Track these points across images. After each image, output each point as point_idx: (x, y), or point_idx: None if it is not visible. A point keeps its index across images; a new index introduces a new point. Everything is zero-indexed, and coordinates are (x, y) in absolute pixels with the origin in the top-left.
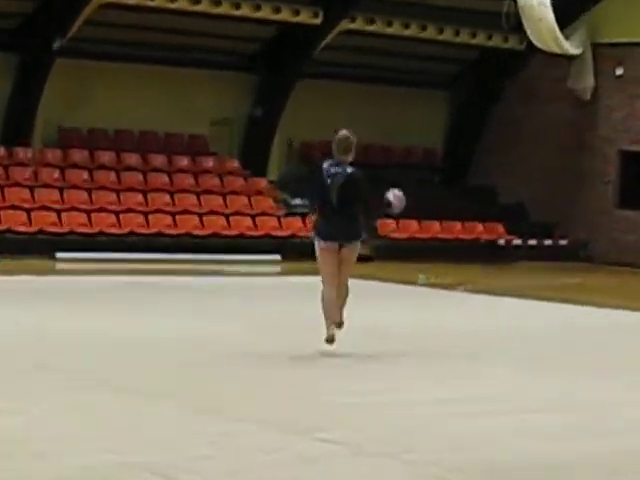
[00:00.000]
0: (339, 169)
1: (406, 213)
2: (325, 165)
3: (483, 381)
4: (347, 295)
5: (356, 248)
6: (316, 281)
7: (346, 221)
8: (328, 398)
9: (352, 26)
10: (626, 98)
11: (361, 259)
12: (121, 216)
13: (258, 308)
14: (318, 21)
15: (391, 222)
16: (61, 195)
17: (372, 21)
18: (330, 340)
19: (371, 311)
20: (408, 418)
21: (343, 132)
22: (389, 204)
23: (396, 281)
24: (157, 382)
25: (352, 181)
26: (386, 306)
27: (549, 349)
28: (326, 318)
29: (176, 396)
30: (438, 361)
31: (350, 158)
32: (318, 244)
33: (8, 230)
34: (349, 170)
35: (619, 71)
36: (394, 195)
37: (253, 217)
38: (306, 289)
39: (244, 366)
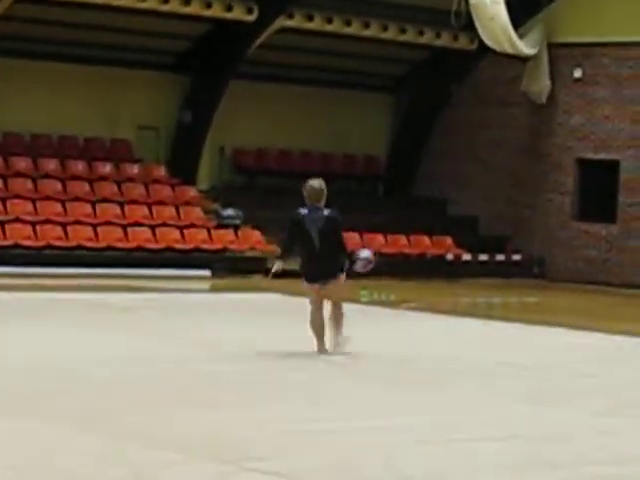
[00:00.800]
0: (317, 214)
1: (348, 225)
2: (303, 212)
3: (433, 407)
4: (341, 317)
5: (339, 280)
6: (246, 299)
7: (328, 262)
8: (262, 425)
9: (289, 23)
10: (585, 102)
11: (299, 275)
12: (38, 227)
13: (183, 327)
14: (253, 17)
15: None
16: None
17: (311, 18)
18: (321, 352)
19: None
20: (347, 447)
21: (312, 183)
22: (354, 261)
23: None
24: (71, 407)
25: (330, 223)
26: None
27: (503, 373)
28: (314, 334)
29: (92, 421)
30: (381, 387)
31: (322, 203)
32: (303, 284)
33: None
34: (326, 213)
35: (577, 73)
36: (364, 257)
37: (181, 229)
38: (235, 307)
39: (165, 389)
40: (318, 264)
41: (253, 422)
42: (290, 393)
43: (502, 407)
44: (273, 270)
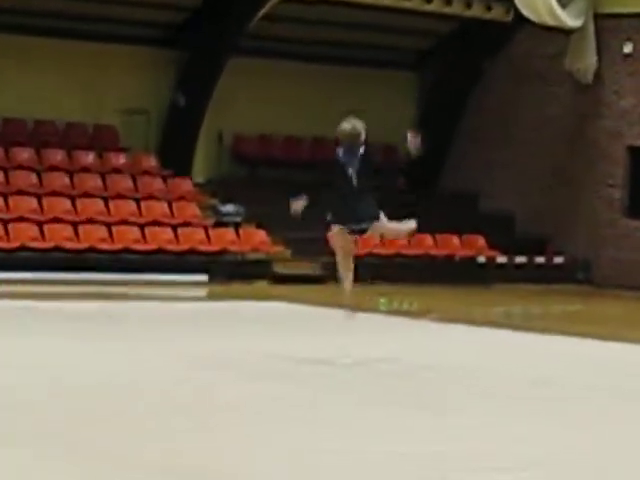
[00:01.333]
0: (353, 154)
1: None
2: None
3: (453, 432)
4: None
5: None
6: (248, 307)
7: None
8: (255, 449)
9: None
10: (636, 81)
11: (311, 280)
12: (10, 226)
13: (174, 339)
14: None
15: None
16: None
17: None
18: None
19: (321, 343)
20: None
21: (345, 126)
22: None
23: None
24: (38, 424)
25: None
26: (340, 338)
27: (540, 394)
28: (342, 275)
29: (54, 442)
30: (389, 408)
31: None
32: (334, 229)
33: None
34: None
35: (627, 48)
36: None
37: (174, 228)
38: (236, 317)
39: (147, 408)
40: (355, 204)
41: (245, 445)
42: (289, 413)
43: (526, 431)
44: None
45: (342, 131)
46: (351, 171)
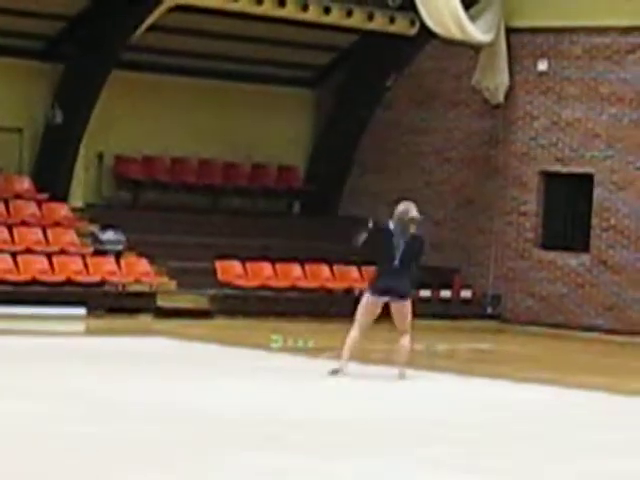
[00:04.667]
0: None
1: (255, 252)
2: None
3: None
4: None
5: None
6: (130, 344)
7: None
8: None
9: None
10: (551, 102)
11: (197, 314)
12: None
13: (45, 380)
14: None
15: (235, 264)
16: None
17: None
18: (332, 372)
19: (204, 388)
20: None
21: (400, 208)
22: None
23: (243, 344)
24: None
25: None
26: (228, 381)
27: (437, 437)
28: (346, 352)
29: None
30: (288, 456)
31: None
32: (366, 297)
33: None
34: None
35: (542, 66)
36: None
37: (49, 256)
38: (116, 354)
39: (14, 460)
40: (394, 279)
41: None
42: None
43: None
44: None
45: (396, 212)
46: (397, 248)
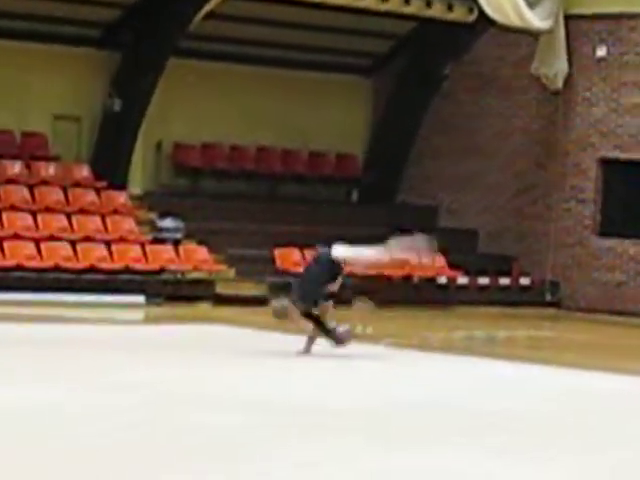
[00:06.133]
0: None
1: (314, 239)
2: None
3: (413, 471)
4: None
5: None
6: (188, 331)
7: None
8: None
9: None
10: (610, 88)
11: (255, 302)
12: None
13: (103, 368)
14: None
15: (293, 252)
16: None
17: None
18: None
19: (266, 376)
20: None
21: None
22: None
23: (301, 331)
24: None
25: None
26: (288, 368)
27: (498, 427)
28: None
29: None
30: (347, 442)
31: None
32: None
33: None
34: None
35: (601, 52)
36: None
37: (108, 244)
38: (174, 342)
39: (69, 451)
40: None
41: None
42: (237, 454)
43: (493, 467)
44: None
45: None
46: None
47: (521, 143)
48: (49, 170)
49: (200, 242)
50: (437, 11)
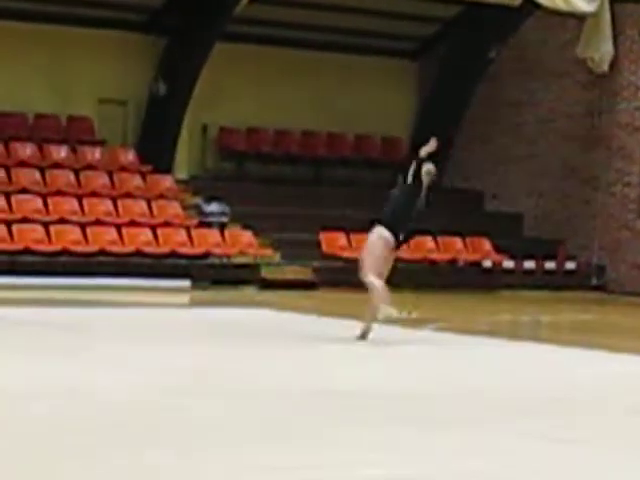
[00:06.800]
0: None
1: (360, 224)
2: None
3: (456, 452)
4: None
5: None
6: (234, 316)
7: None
8: (248, 475)
9: None
10: None
11: (301, 286)
12: None
13: (149, 352)
14: None
15: (339, 236)
16: None
17: None
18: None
19: (314, 360)
20: None
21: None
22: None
23: (347, 315)
24: None
25: None
26: (332, 353)
27: (544, 411)
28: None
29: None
30: (395, 428)
31: None
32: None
33: None
34: None
35: None
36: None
37: (154, 229)
38: (220, 326)
39: (117, 432)
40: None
41: (235, 471)
42: (286, 435)
43: (534, 451)
44: None
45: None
46: None
47: (566, 127)
48: (95, 154)
49: (245, 226)
50: None
